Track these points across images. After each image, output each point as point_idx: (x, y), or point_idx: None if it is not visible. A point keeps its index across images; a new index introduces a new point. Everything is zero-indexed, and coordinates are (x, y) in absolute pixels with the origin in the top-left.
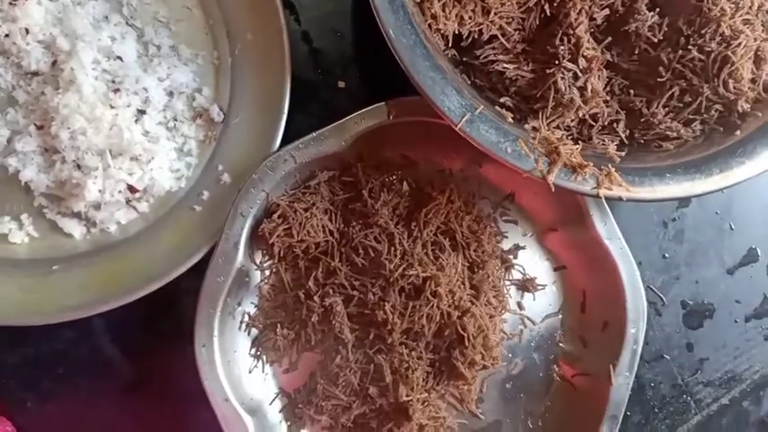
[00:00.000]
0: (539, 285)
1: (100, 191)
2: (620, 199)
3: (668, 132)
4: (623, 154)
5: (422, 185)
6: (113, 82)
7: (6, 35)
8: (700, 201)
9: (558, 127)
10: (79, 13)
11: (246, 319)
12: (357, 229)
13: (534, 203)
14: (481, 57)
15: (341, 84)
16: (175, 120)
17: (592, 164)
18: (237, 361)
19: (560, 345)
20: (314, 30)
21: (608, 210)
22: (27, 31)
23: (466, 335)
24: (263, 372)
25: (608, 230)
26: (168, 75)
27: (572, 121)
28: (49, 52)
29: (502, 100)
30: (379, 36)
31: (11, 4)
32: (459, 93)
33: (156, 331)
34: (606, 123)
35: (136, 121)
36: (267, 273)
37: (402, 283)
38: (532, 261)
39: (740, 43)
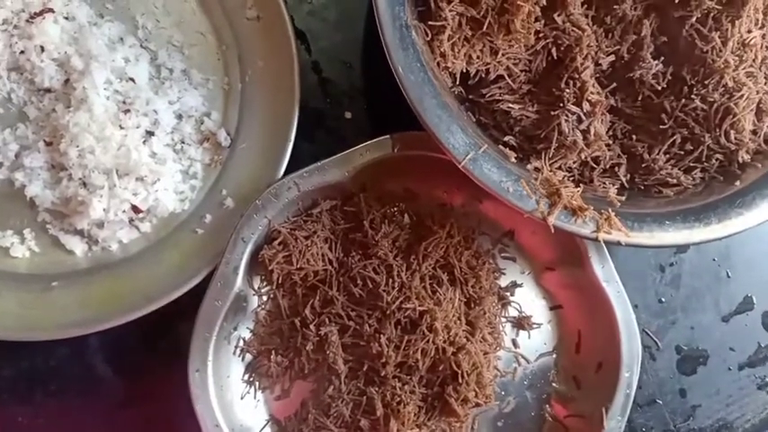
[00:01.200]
0: (534, 324)
1: (104, 209)
2: (618, 243)
3: (668, 179)
4: (623, 198)
5: (423, 218)
6: (124, 103)
7: (21, 51)
8: (698, 247)
9: (560, 168)
10: (95, 34)
11: (241, 344)
12: (356, 260)
13: (533, 242)
14: (487, 95)
15: (348, 114)
16: (183, 142)
17: (592, 207)
18: (230, 386)
19: (553, 384)
20: (324, 60)
21: (606, 253)
22: (42, 48)
23: (460, 371)
24: (254, 398)
25: (606, 273)
26: (179, 98)
27: (574, 162)
28: (62, 70)
29: (506, 139)
30: (388, 70)
31: (28, 21)
32: (464, 131)
33: (151, 351)
34: (608, 167)
35: (144, 142)
36: (264, 299)
37: (398, 316)
38: (529, 299)
39: (743, 95)
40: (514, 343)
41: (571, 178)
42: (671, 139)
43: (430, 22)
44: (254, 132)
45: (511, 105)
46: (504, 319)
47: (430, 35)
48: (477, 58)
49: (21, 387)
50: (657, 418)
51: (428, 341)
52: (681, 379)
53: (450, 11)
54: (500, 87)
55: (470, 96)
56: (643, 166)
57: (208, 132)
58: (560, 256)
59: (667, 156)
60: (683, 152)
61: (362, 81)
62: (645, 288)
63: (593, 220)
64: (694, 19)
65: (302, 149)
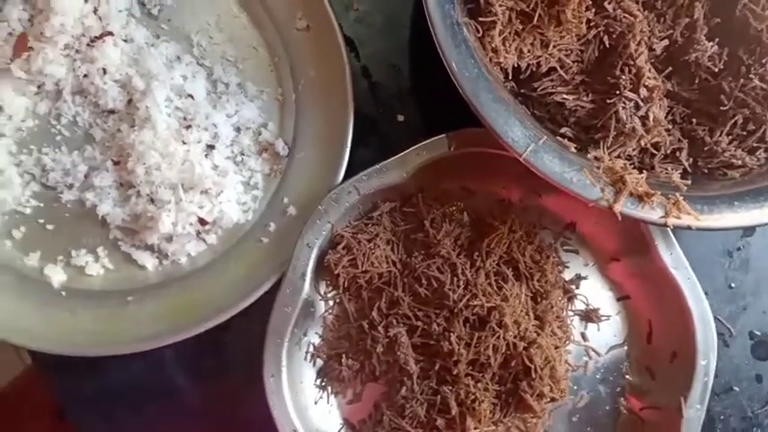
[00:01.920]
0: (602, 316)
1: (173, 223)
2: (689, 228)
3: (733, 160)
4: (689, 182)
5: (482, 215)
6: (185, 119)
7: (85, 75)
8: (764, 229)
9: (619, 156)
10: (153, 54)
11: (312, 349)
12: (419, 260)
13: (596, 233)
14: (539, 89)
15: (400, 117)
16: (242, 154)
17: (659, 192)
18: (304, 391)
19: (627, 377)
20: (373, 65)
21: (673, 239)
22: (104, 71)
23: (533, 366)
24: (327, 402)
25: (674, 260)
26: (236, 111)
27: (633, 150)
28: (124, 91)
29: (562, 130)
30: (437, 69)
31: (89, 45)
32: (522, 124)
33: (224, 360)
34: (669, 152)
35: (206, 155)
36: (331, 303)
37: (466, 314)
38: (595, 291)
39: None
40: (584, 336)
41: (632, 166)
42: (732, 121)
43: (480, 19)
44: (310, 140)
45: (565, 97)
46: (571, 313)
47: (481, 31)
48: (528, 51)
49: (100, 403)
50: (735, 406)
51: (498, 337)
52: (756, 364)
53: (500, 5)
54: (552, 80)
55: (522, 90)
56: (705, 149)
57: (266, 143)
58: (625, 245)
59: (730, 137)
60: (745, 133)
61: (412, 83)
62: (713, 274)
63: (660, 205)
64: None
65: (358, 154)
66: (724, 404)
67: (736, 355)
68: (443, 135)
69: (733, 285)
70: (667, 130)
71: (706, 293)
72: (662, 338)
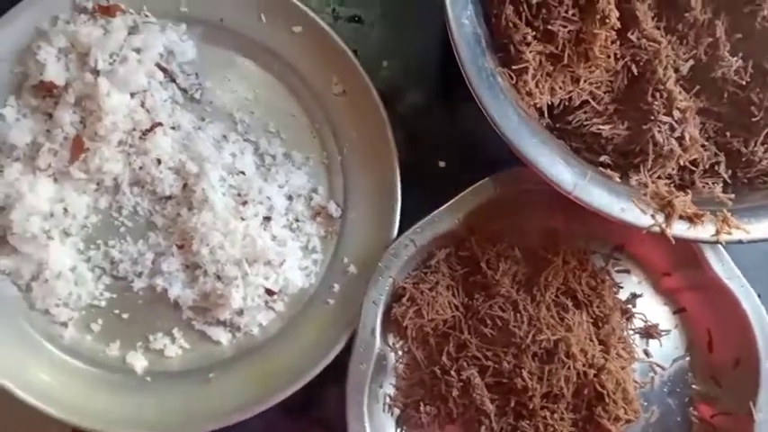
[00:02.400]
0: (662, 331)
1: (242, 298)
2: (740, 242)
3: None
4: (733, 196)
5: (534, 250)
6: (239, 195)
7: (140, 167)
8: None
9: (659, 177)
10: (201, 137)
11: (388, 400)
12: (481, 301)
13: (645, 251)
14: (574, 121)
15: (441, 163)
16: (297, 220)
17: (708, 212)
18: None
19: (693, 386)
20: (408, 116)
21: (723, 251)
22: (159, 161)
23: (605, 391)
24: None
25: (726, 270)
26: (286, 180)
27: (673, 169)
28: (179, 177)
29: (601, 159)
30: (470, 112)
31: (141, 138)
32: (567, 162)
33: (306, 422)
34: (707, 167)
35: (264, 228)
36: (400, 353)
37: (534, 349)
38: (651, 307)
39: None
40: (646, 353)
41: (673, 184)
42: (765, 130)
43: (513, 67)
44: (361, 199)
45: (601, 127)
46: (631, 332)
47: (514, 78)
48: (560, 88)
49: None
50: None
51: (568, 368)
52: None
53: (531, 51)
54: (586, 111)
55: (558, 125)
56: (743, 160)
57: (318, 207)
58: (675, 259)
59: (765, 146)
60: None
61: (449, 128)
62: (764, 277)
63: (710, 222)
64: (766, 11)
65: (405, 204)
66: None
67: None
68: (488, 178)
69: None
70: (703, 146)
71: (759, 296)
72: (723, 346)
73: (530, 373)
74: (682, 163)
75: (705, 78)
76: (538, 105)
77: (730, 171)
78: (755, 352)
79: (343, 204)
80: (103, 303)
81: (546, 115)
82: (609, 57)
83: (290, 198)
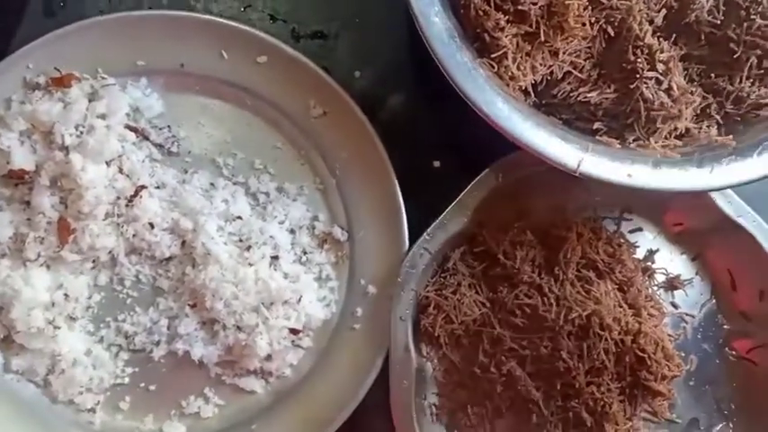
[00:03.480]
0: (685, 281)
1: (268, 344)
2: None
3: (760, 100)
4: (731, 138)
5: (547, 230)
6: (241, 241)
7: (134, 235)
8: None
9: (654, 133)
10: (189, 190)
11: (434, 410)
12: (505, 293)
13: (652, 207)
14: (559, 94)
15: (436, 163)
16: (305, 253)
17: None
18: None
19: (725, 327)
20: (394, 122)
21: (728, 189)
22: (152, 225)
23: (646, 354)
24: None
25: (736, 208)
26: (285, 215)
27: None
28: (175, 236)
29: (595, 126)
30: (457, 107)
31: (127, 206)
32: (566, 139)
33: None
34: (699, 112)
35: (274, 268)
36: (436, 361)
37: (568, 328)
38: (669, 259)
39: None
40: (674, 305)
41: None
42: (747, 64)
43: (492, 54)
44: (365, 217)
45: (588, 95)
46: (656, 287)
47: (495, 66)
48: (541, 65)
49: None
50: None
51: (606, 339)
52: None
53: (506, 35)
54: (569, 83)
55: (544, 101)
56: (731, 97)
57: (323, 234)
58: (684, 208)
59: (750, 80)
60: (762, 71)
61: (438, 127)
62: None
63: None
64: None
65: (409, 211)
66: None
67: None
68: (488, 169)
69: None
70: (691, 92)
71: None
72: (745, 282)
73: (569, 353)
74: (674, 113)
75: (680, 25)
76: (522, 86)
77: (722, 111)
78: None
79: (347, 226)
80: (127, 380)
81: (531, 94)
82: (584, 24)
83: (292, 232)
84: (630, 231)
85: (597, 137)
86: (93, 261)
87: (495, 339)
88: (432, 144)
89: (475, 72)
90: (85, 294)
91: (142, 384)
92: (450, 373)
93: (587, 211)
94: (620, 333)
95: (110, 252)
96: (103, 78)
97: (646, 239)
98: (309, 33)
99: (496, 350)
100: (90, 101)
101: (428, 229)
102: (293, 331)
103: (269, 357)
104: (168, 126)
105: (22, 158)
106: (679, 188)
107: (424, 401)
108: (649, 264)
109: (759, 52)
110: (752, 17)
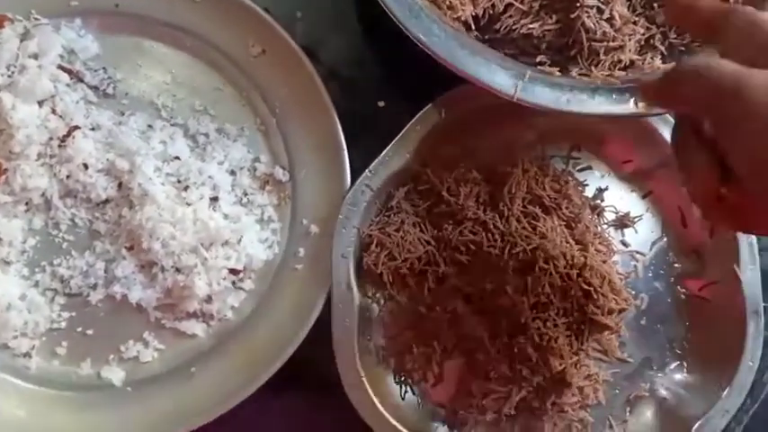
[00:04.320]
0: (635, 218)
1: (207, 284)
2: None
3: None
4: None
5: (493, 167)
6: (179, 181)
7: (68, 176)
8: None
9: (598, 64)
10: (125, 132)
11: (381, 351)
12: (450, 230)
13: (600, 143)
14: (502, 28)
15: (380, 103)
16: (246, 194)
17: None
18: (390, 392)
19: (676, 265)
20: (337, 64)
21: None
22: (85, 165)
23: (592, 288)
24: (414, 394)
25: None
26: (225, 156)
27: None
28: (111, 177)
29: (538, 59)
30: (400, 44)
31: (60, 146)
32: (503, 66)
33: (301, 390)
34: (643, 43)
35: (213, 208)
36: (382, 301)
37: (513, 264)
38: (619, 197)
39: None
40: (624, 243)
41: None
42: None
43: None
44: (306, 157)
45: (530, 26)
46: (605, 225)
47: None
48: None
49: None
50: None
51: (550, 273)
52: None
53: None
54: (511, 16)
55: (487, 36)
56: (674, 27)
57: (264, 175)
58: (631, 144)
59: None
60: None
61: (381, 67)
62: None
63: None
64: None
65: (355, 152)
66: None
67: None
68: (430, 105)
69: None
70: (634, 23)
71: None
72: (695, 219)
73: (514, 289)
74: (617, 44)
75: None
76: (462, 18)
77: (666, 41)
78: None
79: (289, 167)
80: (64, 324)
81: (473, 28)
82: None
83: (233, 173)
84: (580, 170)
85: (539, 67)
86: (27, 204)
87: (440, 278)
88: (376, 84)
89: (411, 1)
90: (20, 238)
91: (79, 329)
92: (396, 315)
93: (535, 149)
94: (565, 267)
95: (43, 194)
96: (36, 19)
97: (595, 178)
98: None
99: (442, 289)
100: (21, 41)
101: (370, 166)
102: (233, 272)
103: (209, 299)
104: (104, 68)
105: None
106: (614, 113)
107: (370, 342)
108: (598, 202)
109: None
110: None
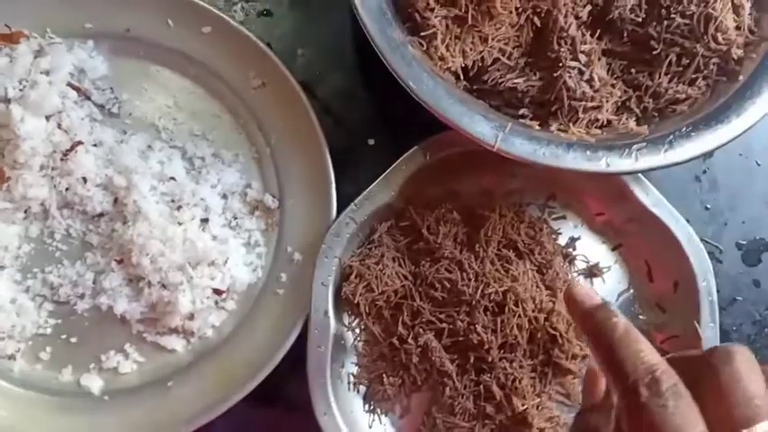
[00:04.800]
0: (603, 268)
1: (191, 302)
2: (661, 168)
3: (677, 96)
4: (646, 128)
5: (472, 210)
6: (173, 201)
7: (67, 188)
8: (722, 149)
9: (576, 121)
10: (125, 150)
11: (352, 379)
12: (427, 267)
13: (575, 195)
14: (489, 80)
15: (370, 141)
16: (236, 218)
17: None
18: (357, 420)
19: (640, 317)
20: (331, 101)
21: (646, 181)
22: (84, 179)
23: (558, 333)
24: (381, 423)
25: (652, 199)
26: (218, 180)
27: (587, 112)
28: (108, 192)
29: (520, 112)
30: (391, 88)
31: (62, 159)
32: (486, 117)
33: (276, 412)
34: (619, 105)
35: (203, 229)
36: (357, 331)
37: (484, 303)
38: (590, 247)
39: None
40: None
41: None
42: (666, 60)
43: (422, 33)
44: (296, 187)
45: (515, 81)
46: (575, 274)
47: (425, 45)
48: (471, 49)
49: None
50: (743, 314)
51: (519, 316)
52: (750, 271)
53: (436, 16)
54: (498, 69)
55: (475, 87)
56: (650, 92)
57: (254, 201)
58: (604, 199)
59: (669, 76)
60: (681, 68)
61: (373, 107)
62: (688, 201)
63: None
64: None
65: (342, 186)
66: (733, 315)
67: (731, 268)
68: (416, 147)
69: (709, 206)
70: (612, 85)
71: (687, 221)
72: (661, 273)
73: (483, 327)
74: (595, 104)
75: (604, 21)
76: (452, 69)
77: (642, 105)
78: (690, 273)
79: (278, 195)
80: (49, 330)
81: (462, 78)
82: (511, 12)
83: (224, 197)
84: (555, 218)
85: (520, 120)
86: (26, 212)
87: (415, 312)
88: (368, 123)
89: (404, 49)
90: (15, 244)
91: (64, 336)
92: (371, 345)
93: (514, 196)
94: (534, 310)
95: (42, 204)
96: (51, 38)
97: (569, 227)
98: (257, 11)
99: (415, 322)
100: (35, 57)
101: (355, 200)
102: (217, 292)
103: (191, 316)
104: (111, 88)
105: None
106: (588, 169)
107: (342, 369)
108: (570, 250)
109: (678, 50)
110: (672, 16)
